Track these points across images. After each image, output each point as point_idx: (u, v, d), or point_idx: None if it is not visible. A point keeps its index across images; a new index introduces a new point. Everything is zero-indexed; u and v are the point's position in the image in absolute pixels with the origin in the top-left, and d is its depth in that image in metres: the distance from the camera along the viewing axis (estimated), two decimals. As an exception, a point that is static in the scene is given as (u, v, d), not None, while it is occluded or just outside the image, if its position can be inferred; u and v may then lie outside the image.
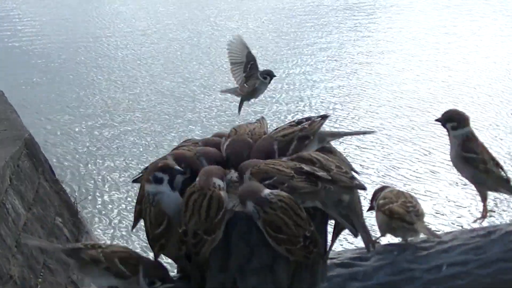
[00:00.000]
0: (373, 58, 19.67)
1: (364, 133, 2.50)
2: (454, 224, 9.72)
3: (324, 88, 16.73)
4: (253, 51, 3.07)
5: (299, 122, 2.21)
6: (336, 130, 2.28)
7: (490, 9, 25.77)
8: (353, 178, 1.98)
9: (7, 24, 25.59)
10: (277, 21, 25.12)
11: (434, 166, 11.56)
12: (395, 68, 18.50)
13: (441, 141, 13.01)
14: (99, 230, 10.32)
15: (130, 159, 12.56)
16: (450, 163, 2.44)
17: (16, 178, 8.20)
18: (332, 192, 1.92)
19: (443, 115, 2.42)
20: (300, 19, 25.43)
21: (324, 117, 2.21)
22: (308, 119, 2.22)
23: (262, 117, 2.34)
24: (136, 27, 24.75)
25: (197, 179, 1.91)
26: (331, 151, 2.13)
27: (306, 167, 1.95)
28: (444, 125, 2.40)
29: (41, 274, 7.68)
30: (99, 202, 11.12)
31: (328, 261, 2.04)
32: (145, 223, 2.05)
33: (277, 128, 2.21)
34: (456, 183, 10.57)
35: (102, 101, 16.48)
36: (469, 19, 24.30)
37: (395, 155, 12.41)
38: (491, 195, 2.43)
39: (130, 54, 21.09)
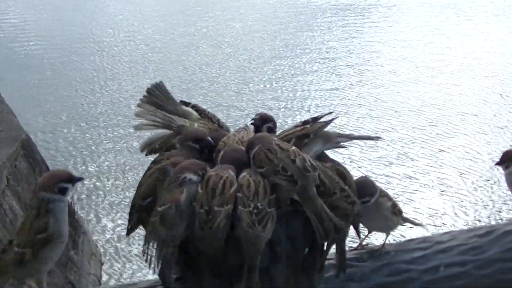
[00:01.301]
0: (361, 59, 19.67)
1: (372, 138, 2.46)
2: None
3: (317, 90, 16.72)
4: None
5: (304, 123, 2.20)
6: (345, 132, 2.26)
7: (481, 8, 25.79)
8: (354, 203, 1.99)
9: (4, 25, 25.57)
10: (263, 21, 25.14)
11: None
12: (385, 69, 18.50)
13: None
14: (96, 231, 10.30)
15: (128, 160, 12.56)
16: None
17: (13, 178, 8.19)
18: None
19: (502, 158, 2.56)
20: (288, 20, 25.45)
21: (330, 117, 2.20)
22: (315, 119, 2.21)
23: (246, 125, 2.36)
24: (136, 28, 24.72)
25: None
26: (344, 174, 2.11)
27: (300, 161, 1.98)
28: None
29: (39, 275, 7.67)
30: (96, 203, 11.11)
31: (326, 262, 2.02)
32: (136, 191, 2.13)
33: (283, 131, 2.23)
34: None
35: (101, 102, 16.46)
36: (461, 18, 24.31)
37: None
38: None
39: (129, 55, 21.06)
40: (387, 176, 11.41)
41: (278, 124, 2.40)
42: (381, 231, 2.27)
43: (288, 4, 27.90)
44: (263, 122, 2.31)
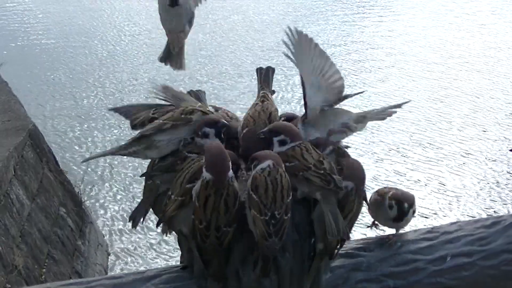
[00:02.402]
0: (363, 54, 19.64)
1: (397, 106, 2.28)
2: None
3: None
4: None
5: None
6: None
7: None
8: (329, 181, 1.98)
9: (16, 17, 25.60)
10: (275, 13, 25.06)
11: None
12: (384, 64, 18.47)
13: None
14: (103, 220, 10.35)
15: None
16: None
17: (20, 168, 8.23)
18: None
19: None
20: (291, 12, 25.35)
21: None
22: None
23: (265, 93, 2.31)
24: (142, 23, 24.71)
25: (209, 176, 1.90)
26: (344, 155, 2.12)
27: (327, 164, 1.97)
28: None
29: (45, 264, 7.71)
30: (104, 193, 11.16)
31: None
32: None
33: None
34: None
35: (108, 92, 16.50)
36: (465, 11, 24.20)
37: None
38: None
39: (136, 49, 21.08)
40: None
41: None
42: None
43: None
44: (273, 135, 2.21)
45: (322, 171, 1.95)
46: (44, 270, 7.56)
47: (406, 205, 2.13)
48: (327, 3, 26.46)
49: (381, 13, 24.73)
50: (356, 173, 2.04)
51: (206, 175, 1.89)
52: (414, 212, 2.17)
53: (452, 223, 2.20)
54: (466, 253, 2.11)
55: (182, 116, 2.12)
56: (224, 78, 17.27)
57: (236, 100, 15.32)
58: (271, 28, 22.48)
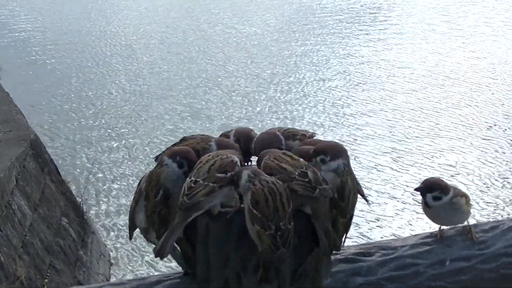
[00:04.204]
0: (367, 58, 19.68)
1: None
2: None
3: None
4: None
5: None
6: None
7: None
8: (314, 188, 1.97)
9: (15, 26, 25.69)
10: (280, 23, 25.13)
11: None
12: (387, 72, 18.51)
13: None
14: (105, 231, 10.36)
15: (137, 159, 12.61)
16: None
17: (22, 178, 8.25)
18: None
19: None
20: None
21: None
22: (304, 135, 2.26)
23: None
24: (141, 26, 24.79)
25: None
26: None
27: (310, 175, 1.95)
28: None
29: (47, 274, 7.72)
30: (106, 203, 11.17)
31: (332, 257, 2.05)
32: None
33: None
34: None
35: (110, 103, 16.53)
36: (473, 15, 24.17)
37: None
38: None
39: (135, 53, 21.14)
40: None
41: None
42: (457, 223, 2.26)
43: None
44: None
45: (307, 179, 1.93)
46: (46, 280, 7.57)
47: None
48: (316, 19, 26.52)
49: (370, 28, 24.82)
50: (340, 149, 2.07)
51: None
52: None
53: (450, 228, 2.22)
54: (465, 257, 2.13)
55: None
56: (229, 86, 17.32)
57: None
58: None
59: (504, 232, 2.18)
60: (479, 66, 18.07)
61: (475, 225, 2.26)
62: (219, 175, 1.93)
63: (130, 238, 2.28)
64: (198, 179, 1.93)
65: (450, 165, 11.92)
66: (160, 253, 1.96)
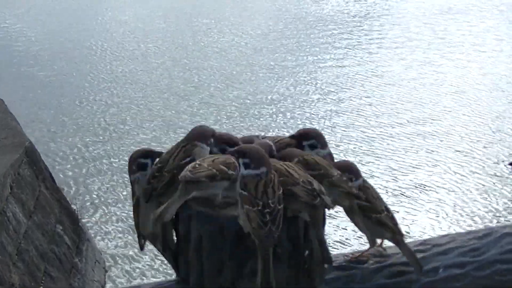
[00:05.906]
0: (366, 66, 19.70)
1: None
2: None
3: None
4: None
5: (291, 137, 2.31)
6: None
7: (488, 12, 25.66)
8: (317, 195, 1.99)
9: (8, 32, 25.63)
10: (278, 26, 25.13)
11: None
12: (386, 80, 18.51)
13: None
14: (100, 238, 10.33)
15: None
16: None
17: (16, 185, 8.23)
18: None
19: None
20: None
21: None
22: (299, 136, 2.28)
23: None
24: (136, 34, 24.76)
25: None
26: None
27: (315, 184, 1.98)
28: None
29: (42, 281, 7.70)
30: (101, 210, 11.14)
31: (325, 265, 2.06)
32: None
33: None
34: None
35: (104, 109, 16.49)
36: (466, 25, 24.16)
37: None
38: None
39: (131, 63, 21.09)
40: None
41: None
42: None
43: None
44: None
45: (311, 187, 1.96)
46: (41, 287, 7.55)
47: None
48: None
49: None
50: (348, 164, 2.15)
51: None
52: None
53: (443, 235, 2.23)
54: (459, 264, 2.13)
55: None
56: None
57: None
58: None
59: (497, 239, 2.19)
60: (465, 76, 18.07)
61: (468, 232, 2.27)
62: (222, 167, 1.98)
63: (141, 248, 2.24)
64: (203, 163, 1.99)
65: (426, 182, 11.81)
66: (161, 217, 1.98)
